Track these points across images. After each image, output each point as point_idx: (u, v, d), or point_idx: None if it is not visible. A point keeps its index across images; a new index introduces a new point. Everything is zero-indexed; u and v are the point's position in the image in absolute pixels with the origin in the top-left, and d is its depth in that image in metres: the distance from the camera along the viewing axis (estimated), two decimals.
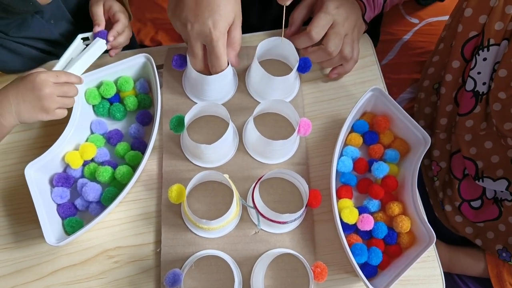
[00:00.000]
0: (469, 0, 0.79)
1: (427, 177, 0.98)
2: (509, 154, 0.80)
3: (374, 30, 0.99)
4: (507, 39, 0.75)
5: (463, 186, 0.89)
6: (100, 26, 0.82)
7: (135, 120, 0.82)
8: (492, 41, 0.77)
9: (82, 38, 0.81)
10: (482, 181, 0.84)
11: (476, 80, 0.81)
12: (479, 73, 0.80)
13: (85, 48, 0.81)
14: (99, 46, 0.80)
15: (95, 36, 0.81)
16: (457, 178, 0.90)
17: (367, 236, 0.77)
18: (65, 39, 0.90)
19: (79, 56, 0.79)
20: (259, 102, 0.82)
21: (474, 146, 0.85)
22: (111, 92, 0.80)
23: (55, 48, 0.90)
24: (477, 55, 0.80)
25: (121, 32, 0.83)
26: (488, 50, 0.78)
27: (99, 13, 0.82)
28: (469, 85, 0.82)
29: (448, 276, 0.95)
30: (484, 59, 0.79)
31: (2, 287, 0.73)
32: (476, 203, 0.88)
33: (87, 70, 0.79)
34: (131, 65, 0.81)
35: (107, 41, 0.81)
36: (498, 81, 0.76)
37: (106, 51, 0.82)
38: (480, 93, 0.81)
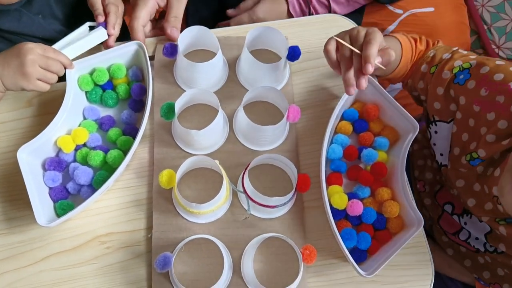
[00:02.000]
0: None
1: (415, 186, 0.97)
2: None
3: (356, 20, 1.02)
4: (452, 120, 0.78)
5: (444, 216, 0.89)
6: (103, 17, 0.83)
7: (127, 106, 0.83)
8: (436, 117, 0.80)
9: (89, 26, 0.83)
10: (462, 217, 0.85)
11: (434, 151, 0.83)
12: (434, 144, 0.83)
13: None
14: (99, 34, 0.81)
15: (98, 25, 0.82)
16: (440, 205, 0.89)
17: (357, 221, 0.77)
18: (61, 36, 0.91)
19: (78, 40, 0.80)
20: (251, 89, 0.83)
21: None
22: (103, 79, 0.81)
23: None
24: (429, 129, 0.83)
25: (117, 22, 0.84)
26: (435, 125, 0.81)
27: (98, 4, 0.83)
28: (433, 152, 0.85)
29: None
30: (435, 132, 0.81)
31: None
32: (452, 237, 0.88)
33: (81, 56, 0.81)
34: (124, 52, 0.82)
35: (109, 35, 0.83)
36: (454, 159, 0.78)
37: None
38: (439, 163, 0.83)
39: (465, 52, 0.80)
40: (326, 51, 0.75)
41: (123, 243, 0.75)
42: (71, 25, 0.91)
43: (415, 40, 0.82)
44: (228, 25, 1.04)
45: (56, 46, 0.79)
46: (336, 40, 0.73)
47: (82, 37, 0.81)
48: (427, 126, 0.83)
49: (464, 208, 0.83)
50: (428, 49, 0.82)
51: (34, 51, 0.72)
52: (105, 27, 0.82)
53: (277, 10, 1.02)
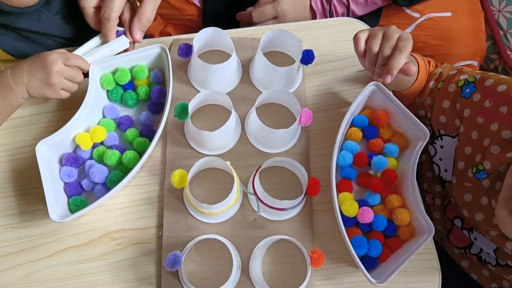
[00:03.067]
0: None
1: (423, 198, 0.97)
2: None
3: (372, 22, 1.02)
4: (457, 135, 0.78)
5: (454, 230, 0.88)
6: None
7: (146, 108, 0.84)
8: (442, 131, 0.80)
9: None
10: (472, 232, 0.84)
11: (439, 166, 0.83)
12: (440, 159, 0.82)
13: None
14: (121, 43, 0.81)
15: (118, 34, 0.81)
16: (450, 220, 0.89)
17: (367, 228, 0.77)
18: (83, 37, 0.90)
19: (100, 47, 0.80)
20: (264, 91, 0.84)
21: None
22: (125, 79, 0.82)
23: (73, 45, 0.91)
24: (434, 144, 0.82)
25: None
26: (441, 139, 0.80)
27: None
28: (436, 169, 0.84)
29: None
30: (441, 147, 0.81)
31: (10, 264, 0.75)
32: (462, 251, 0.87)
33: None
34: (147, 54, 0.83)
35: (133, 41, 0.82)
36: (459, 173, 0.78)
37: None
38: (443, 179, 0.82)
39: (470, 70, 0.81)
40: (356, 38, 0.76)
41: (134, 240, 0.77)
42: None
43: (429, 62, 0.83)
44: (249, 15, 1.03)
45: (78, 51, 0.79)
46: (368, 32, 0.74)
47: (104, 45, 0.81)
48: (432, 142, 0.83)
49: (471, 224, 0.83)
50: (436, 68, 0.83)
51: (58, 62, 0.74)
52: (158, 94, 0.83)
53: (300, 4, 1.01)
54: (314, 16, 1.02)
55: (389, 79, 0.69)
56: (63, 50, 0.77)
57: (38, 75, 0.74)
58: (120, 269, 0.75)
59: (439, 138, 0.81)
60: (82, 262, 0.75)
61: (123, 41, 0.81)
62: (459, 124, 0.77)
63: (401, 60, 0.68)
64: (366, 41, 0.75)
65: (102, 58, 0.81)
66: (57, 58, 0.74)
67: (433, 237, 0.73)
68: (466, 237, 0.85)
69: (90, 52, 0.80)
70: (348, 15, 1.03)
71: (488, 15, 1.24)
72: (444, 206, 0.90)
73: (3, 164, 0.81)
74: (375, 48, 0.72)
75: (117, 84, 0.84)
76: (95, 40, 0.81)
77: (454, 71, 0.80)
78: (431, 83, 0.81)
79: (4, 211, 0.78)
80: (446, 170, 0.82)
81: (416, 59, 0.81)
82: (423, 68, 0.81)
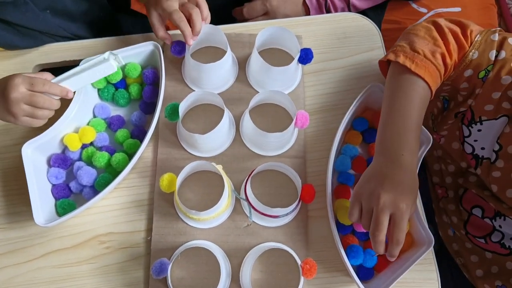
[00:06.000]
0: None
1: (434, 192, 0.93)
2: None
3: (377, 16, 0.98)
4: (506, 116, 0.72)
5: (472, 220, 0.84)
6: (191, 40, 0.76)
7: (138, 107, 0.82)
8: (484, 117, 0.74)
9: (111, 52, 0.78)
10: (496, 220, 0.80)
11: (474, 146, 0.78)
12: (475, 140, 0.77)
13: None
14: (107, 66, 0.76)
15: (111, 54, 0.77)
16: (467, 210, 0.85)
17: (364, 237, 0.75)
18: (67, 32, 0.88)
19: (85, 70, 0.75)
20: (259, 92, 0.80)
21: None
22: (117, 77, 0.80)
23: (55, 39, 0.88)
24: (470, 127, 0.77)
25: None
26: (481, 124, 0.75)
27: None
28: (468, 149, 0.79)
29: None
30: (479, 130, 0.76)
31: None
32: (481, 241, 0.84)
33: None
34: (139, 52, 0.80)
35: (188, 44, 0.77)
36: (508, 157, 0.72)
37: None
38: (480, 156, 0.77)
39: None
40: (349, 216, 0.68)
41: (122, 244, 0.75)
42: (83, 22, 0.89)
43: (443, 57, 0.71)
44: (242, 11, 1.00)
45: (59, 77, 0.73)
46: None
47: (89, 68, 0.75)
48: (469, 125, 0.77)
49: (495, 211, 0.79)
50: (464, 50, 0.72)
51: (18, 88, 0.67)
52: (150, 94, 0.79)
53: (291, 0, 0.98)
54: (308, 11, 0.97)
55: (392, 260, 0.66)
56: (42, 74, 0.71)
57: None
58: (108, 273, 0.73)
59: (478, 123, 0.76)
60: (69, 266, 0.74)
61: (108, 65, 0.75)
62: (508, 106, 0.71)
63: (397, 251, 0.63)
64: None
65: (86, 79, 0.75)
66: (19, 83, 0.68)
67: (436, 244, 0.69)
68: (488, 225, 0.81)
69: (72, 77, 0.74)
70: (348, 10, 0.98)
71: (503, 9, 1.19)
72: (460, 197, 0.86)
73: None
74: (367, 229, 0.66)
75: (108, 82, 0.81)
76: (80, 67, 0.76)
77: (495, 52, 0.70)
78: (468, 72, 0.72)
79: None
80: (483, 148, 0.77)
81: (426, 82, 0.70)
82: (435, 83, 0.71)
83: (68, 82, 0.73)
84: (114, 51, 0.78)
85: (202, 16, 0.76)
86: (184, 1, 0.76)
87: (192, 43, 0.76)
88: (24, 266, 0.74)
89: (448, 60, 0.70)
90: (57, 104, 0.72)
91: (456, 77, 0.74)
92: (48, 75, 0.72)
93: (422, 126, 0.73)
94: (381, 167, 0.66)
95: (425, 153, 0.74)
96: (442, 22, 0.72)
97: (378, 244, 0.63)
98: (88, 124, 0.79)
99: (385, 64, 0.76)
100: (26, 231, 0.75)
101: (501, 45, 0.71)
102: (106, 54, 0.76)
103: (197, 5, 0.77)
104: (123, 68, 0.81)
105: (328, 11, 0.97)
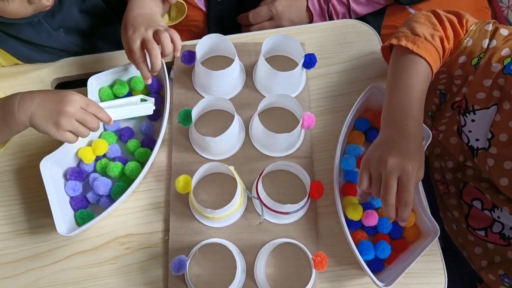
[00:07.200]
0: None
1: (437, 189, 0.96)
2: None
3: (376, 22, 1.01)
4: (495, 104, 0.75)
5: (473, 213, 0.87)
6: (149, 79, 0.79)
7: (146, 117, 0.85)
8: (476, 107, 0.78)
9: (141, 99, 0.83)
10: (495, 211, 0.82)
11: (469, 137, 0.82)
12: (470, 131, 0.81)
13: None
14: (147, 108, 0.81)
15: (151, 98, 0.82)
16: (467, 203, 0.88)
17: (373, 231, 0.78)
18: (79, 48, 0.92)
19: (128, 105, 0.81)
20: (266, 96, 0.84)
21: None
22: (123, 91, 0.84)
23: (67, 55, 0.92)
24: (464, 117, 0.81)
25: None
26: (474, 113, 0.79)
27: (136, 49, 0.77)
28: (464, 139, 0.83)
29: None
30: (473, 121, 0.79)
31: (21, 270, 0.77)
32: (480, 233, 0.86)
33: None
34: None
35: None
36: (500, 145, 0.75)
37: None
38: (475, 147, 0.81)
39: (506, 33, 0.76)
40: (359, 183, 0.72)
41: (142, 245, 0.78)
42: (93, 37, 0.93)
43: (441, 40, 0.76)
44: (247, 17, 1.03)
45: (102, 104, 0.78)
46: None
47: (130, 105, 0.81)
48: (464, 114, 0.81)
49: (493, 203, 0.82)
50: (459, 38, 0.77)
51: (76, 104, 0.71)
52: (155, 102, 0.83)
53: (296, 5, 1.01)
54: (311, 17, 1.02)
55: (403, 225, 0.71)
56: (86, 99, 0.74)
57: (48, 106, 0.71)
58: (128, 273, 0.77)
59: (471, 113, 0.79)
60: (91, 267, 0.77)
61: (148, 107, 0.81)
62: (498, 95, 0.75)
63: (406, 214, 0.67)
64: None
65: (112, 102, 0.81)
66: (77, 100, 0.72)
67: (442, 236, 0.72)
68: (488, 217, 0.84)
69: (114, 106, 0.80)
70: (349, 15, 1.02)
71: (497, 12, 1.23)
72: (460, 191, 0.89)
73: (9, 173, 0.83)
74: (377, 196, 0.69)
75: (115, 96, 0.85)
76: (123, 100, 0.82)
77: (487, 41, 0.75)
78: (462, 58, 0.77)
79: (13, 218, 0.80)
80: (477, 140, 0.80)
81: (428, 62, 0.74)
82: (436, 64, 0.76)
83: (112, 111, 0.78)
84: (119, 67, 0.84)
85: (164, 53, 0.76)
86: (147, 37, 0.76)
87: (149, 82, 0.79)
88: (49, 268, 0.77)
89: (446, 43, 0.75)
90: (98, 127, 0.76)
91: (451, 63, 0.78)
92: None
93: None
94: (387, 137, 0.70)
95: (425, 148, 0.77)
96: (440, 11, 0.78)
97: (389, 207, 0.66)
98: (99, 137, 0.83)
99: (387, 52, 0.80)
100: (50, 235, 0.79)
101: (493, 35, 0.76)
102: (139, 97, 0.83)
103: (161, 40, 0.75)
104: (128, 81, 0.85)
105: (330, 16, 1.01)
